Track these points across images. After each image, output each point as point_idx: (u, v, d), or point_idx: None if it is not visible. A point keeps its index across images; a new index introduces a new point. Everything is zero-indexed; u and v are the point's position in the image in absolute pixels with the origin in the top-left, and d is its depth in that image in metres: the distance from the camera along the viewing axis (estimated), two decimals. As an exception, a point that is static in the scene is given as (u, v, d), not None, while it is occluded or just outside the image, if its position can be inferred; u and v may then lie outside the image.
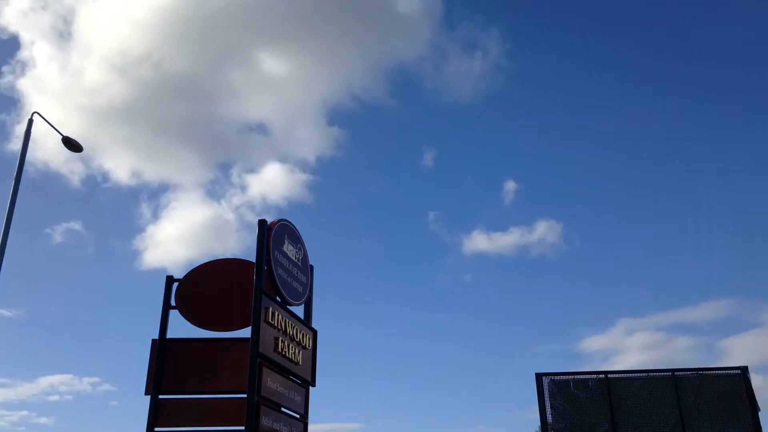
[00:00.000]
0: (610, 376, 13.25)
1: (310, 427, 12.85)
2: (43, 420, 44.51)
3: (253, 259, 11.82)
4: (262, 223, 12.05)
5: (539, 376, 13.33)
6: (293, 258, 12.98)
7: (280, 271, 12.32)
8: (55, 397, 46.94)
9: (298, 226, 13.28)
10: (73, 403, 45.69)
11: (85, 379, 50.07)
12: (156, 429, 11.31)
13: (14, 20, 40.95)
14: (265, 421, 10.97)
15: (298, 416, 12.51)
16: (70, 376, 47.35)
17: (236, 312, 11.81)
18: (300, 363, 12.55)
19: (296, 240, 13.26)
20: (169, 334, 11.98)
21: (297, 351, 12.44)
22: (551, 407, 13.04)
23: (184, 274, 12.46)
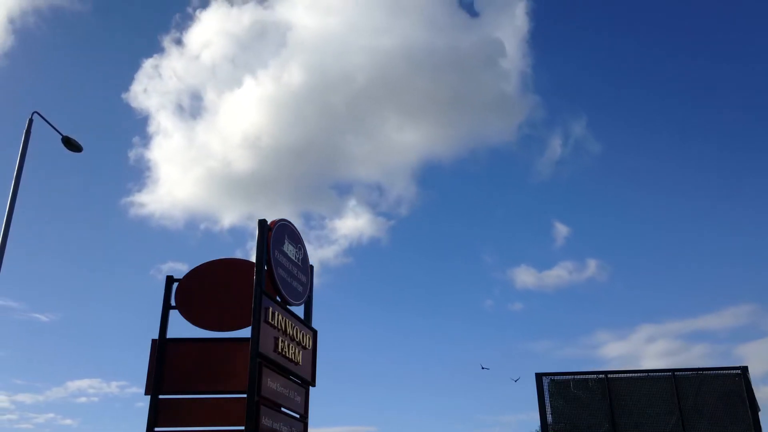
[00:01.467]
0: (610, 376, 13.24)
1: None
2: (67, 422, 44.96)
3: (254, 259, 11.82)
4: (261, 223, 12.05)
5: (539, 377, 13.32)
6: (293, 258, 12.97)
7: (280, 271, 12.32)
8: (83, 399, 47.17)
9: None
10: (98, 405, 45.92)
11: (113, 383, 50.22)
12: (156, 429, 11.30)
13: (145, 97, 44.99)
14: (265, 421, 10.97)
15: (298, 416, 12.51)
16: (98, 380, 47.50)
17: (236, 312, 11.81)
18: (300, 363, 12.54)
19: (296, 240, 13.25)
20: (169, 334, 11.98)
21: (297, 351, 12.43)
22: (551, 407, 13.03)
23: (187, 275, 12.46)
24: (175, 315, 12.13)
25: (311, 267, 13.89)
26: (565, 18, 55.13)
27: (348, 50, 44.59)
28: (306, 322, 13.29)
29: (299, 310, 13.23)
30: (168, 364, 11.67)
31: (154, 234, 45.69)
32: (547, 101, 53.44)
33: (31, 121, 14.12)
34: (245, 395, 10.79)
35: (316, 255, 45.89)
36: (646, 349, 50.09)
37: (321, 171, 47.97)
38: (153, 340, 11.92)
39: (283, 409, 11.97)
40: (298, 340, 12.54)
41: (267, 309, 11.50)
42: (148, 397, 11.47)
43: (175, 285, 12.34)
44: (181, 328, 12.15)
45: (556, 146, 50.73)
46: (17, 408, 45.84)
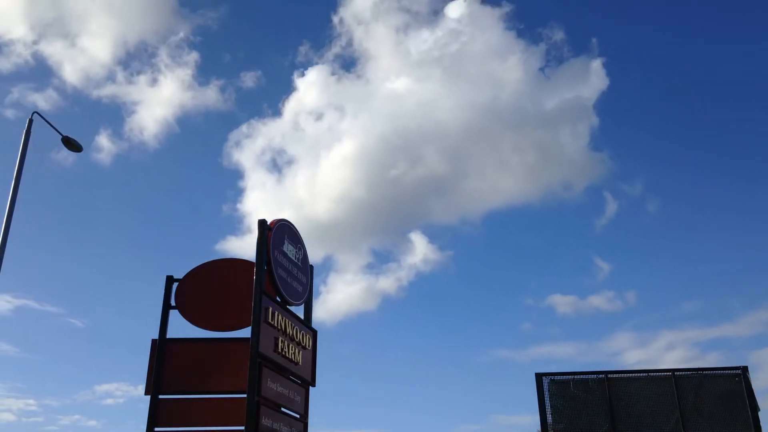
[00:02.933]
0: (609, 376, 13.23)
1: None
2: (92, 423, 45.34)
3: (254, 259, 11.82)
4: (261, 223, 12.05)
5: (539, 376, 13.31)
6: (293, 258, 12.97)
7: (280, 271, 12.32)
8: (110, 401, 47.68)
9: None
10: (123, 407, 46.44)
11: (141, 386, 50.47)
12: (156, 429, 11.30)
13: (240, 155, 49.34)
14: (265, 421, 10.97)
15: (298, 416, 12.51)
16: (126, 383, 47.95)
17: (236, 312, 11.81)
18: (300, 363, 12.54)
19: (296, 240, 13.25)
20: (169, 334, 11.98)
21: (297, 351, 12.43)
22: (551, 407, 13.03)
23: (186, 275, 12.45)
24: (175, 315, 12.14)
25: (311, 267, 13.89)
26: (639, 79, 57.24)
27: (435, 109, 48.54)
28: (306, 322, 13.29)
29: (299, 311, 13.24)
30: (168, 364, 11.67)
31: None
32: (616, 158, 55.61)
33: (31, 121, 14.12)
34: (245, 395, 10.79)
35: (380, 285, 50.49)
36: (664, 356, 50.80)
37: (402, 221, 53.50)
38: (153, 340, 11.92)
39: (283, 409, 11.97)
40: (298, 340, 12.54)
41: (267, 309, 11.50)
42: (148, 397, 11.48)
43: (175, 285, 12.33)
44: (181, 328, 12.17)
45: (622, 202, 53.37)
46: (44, 410, 46.61)
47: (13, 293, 49.35)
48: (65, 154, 48.19)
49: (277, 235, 12.37)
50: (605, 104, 53.78)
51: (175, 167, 56.12)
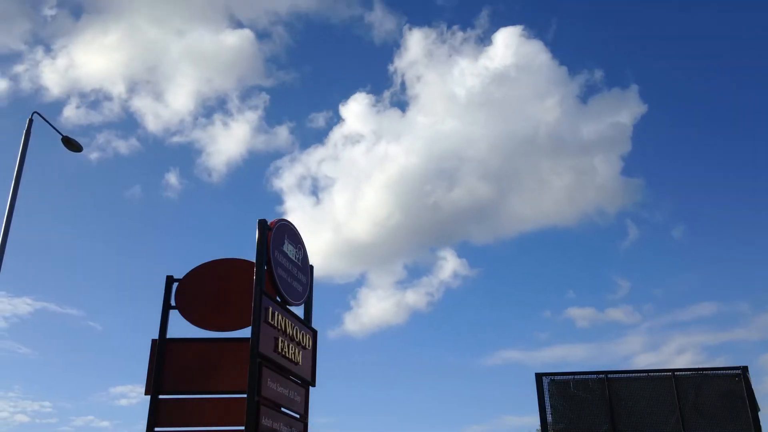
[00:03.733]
0: (609, 376, 13.23)
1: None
2: (104, 423, 45.86)
3: (254, 259, 11.82)
4: (261, 222, 12.05)
5: (539, 376, 13.31)
6: (293, 258, 12.97)
7: (280, 271, 12.32)
8: (123, 402, 48.16)
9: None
10: (137, 408, 46.98)
11: None
12: (156, 429, 11.31)
13: (282, 183, 52.89)
14: (265, 421, 10.97)
15: (298, 416, 12.51)
16: (140, 385, 48.34)
17: (236, 312, 11.82)
18: (300, 363, 12.54)
19: (296, 240, 13.25)
20: (169, 334, 11.98)
21: (297, 351, 12.43)
22: (551, 407, 13.03)
23: (184, 273, 12.46)
24: (175, 315, 12.14)
25: (311, 267, 13.88)
26: (673, 108, 58.75)
27: (475, 135, 51.26)
28: (306, 322, 13.29)
29: (299, 311, 13.24)
30: (168, 364, 11.67)
31: None
32: (648, 185, 56.80)
33: (30, 121, 14.13)
34: (245, 395, 10.79)
35: (410, 300, 52.55)
36: (674, 360, 51.50)
37: (437, 242, 56.17)
38: (153, 340, 11.93)
39: (283, 409, 11.97)
40: (298, 340, 12.54)
41: (267, 309, 11.50)
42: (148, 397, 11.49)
43: (175, 285, 12.34)
44: (181, 328, 12.17)
45: (647, 227, 55.85)
46: (58, 412, 47.24)
47: (34, 296, 50.44)
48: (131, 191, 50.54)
49: (277, 235, 12.37)
50: (640, 132, 55.74)
51: (228, 199, 59.40)
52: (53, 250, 52.89)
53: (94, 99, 54.76)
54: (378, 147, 54.63)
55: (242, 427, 10.63)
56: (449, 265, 54.52)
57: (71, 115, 52.82)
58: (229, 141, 56.92)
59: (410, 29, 60.04)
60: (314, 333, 13.46)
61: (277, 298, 12.17)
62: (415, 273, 57.77)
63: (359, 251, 53.00)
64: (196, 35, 54.85)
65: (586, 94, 54.51)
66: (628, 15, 60.08)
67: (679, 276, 54.69)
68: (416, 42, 56.93)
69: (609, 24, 61.12)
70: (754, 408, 12.61)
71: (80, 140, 14.95)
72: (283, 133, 60.50)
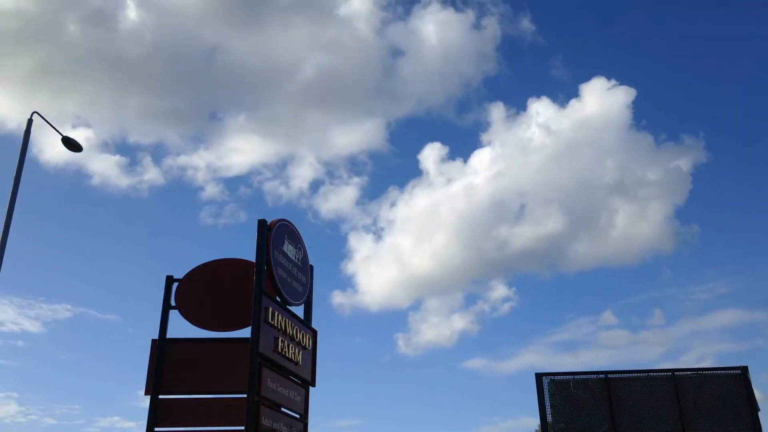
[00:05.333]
0: (609, 376, 13.22)
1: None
2: (129, 425, 46.54)
3: (254, 259, 11.82)
4: (261, 222, 12.04)
5: (539, 376, 13.29)
6: (293, 258, 12.97)
7: (280, 271, 12.31)
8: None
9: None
10: None
11: None
12: (156, 429, 11.31)
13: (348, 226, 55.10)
14: (265, 421, 10.97)
15: (298, 416, 12.51)
16: None
17: (236, 312, 11.82)
18: (300, 363, 12.54)
19: (296, 240, 13.25)
20: (169, 334, 11.98)
21: (297, 351, 12.43)
22: (551, 407, 13.02)
23: (186, 274, 12.45)
24: (175, 315, 12.14)
25: (311, 267, 13.88)
26: (736, 155, 61.13)
27: (541, 175, 52.39)
28: (306, 322, 13.29)
29: (299, 311, 13.24)
30: (168, 364, 11.67)
31: (347, 315, 55.17)
32: (703, 231, 58.49)
33: (30, 120, 14.13)
34: (245, 395, 10.79)
35: (458, 324, 54.99)
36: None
37: (492, 274, 57.54)
38: (153, 340, 11.93)
39: (283, 409, 11.97)
40: (298, 340, 12.53)
41: (267, 309, 11.49)
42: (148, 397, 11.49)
43: (175, 285, 12.33)
44: (181, 328, 12.17)
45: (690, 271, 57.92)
46: (86, 414, 48.05)
47: (72, 302, 51.38)
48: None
49: (277, 234, 12.37)
50: (701, 177, 57.05)
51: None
52: (83, 259, 54.16)
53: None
54: (446, 187, 56.99)
55: (242, 427, 10.63)
56: (498, 293, 57.20)
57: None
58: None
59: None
60: (314, 333, 13.46)
61: (277, 298, 12.16)
62: (469, 300, 60.36)
63: (418, 282, 55.40)
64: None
65: (655, 141, 56.07)
66: (696, 71, 61.23)
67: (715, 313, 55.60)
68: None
69: (680, 77, 62.15)
70: (754, 408, 12.60)
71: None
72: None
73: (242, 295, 11.74)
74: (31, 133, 14.05)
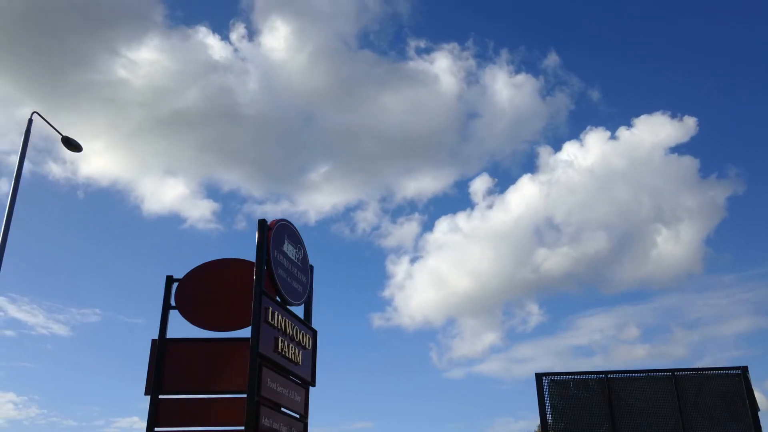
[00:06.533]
0: (610, 376, 13.21)
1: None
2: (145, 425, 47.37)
3: (254, 259, 11.82)
4: (261, 223, 12.04)
5: (539, 376, 13.29)
6: (293, 258, 12.97)
7: (280, 271, 12.31)
8: None
9: None
10: None
11: None
12: (156, 429, 11.31)
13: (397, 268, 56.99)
14: (265, 421, 10.97)
15: (297, 416, 12.50)
16: None
17: (236, 312, 11.81)
18: (300, 363, 12.54)
19: (296, 240, 13.24)
20: (169, 334, 11.98)
21: (297, 351, 12.43)
22: (551, 407, 13.01)
23: (185, 275, 12.45)
24: (175, 315, 12.14)
25: (311, 267, 13.88)
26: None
27: (584, 201, 53.57)
28: (306, 322, 13.28)
29: (299, 311, 13.24)
30: (168, 364, 11.67)
31: (387, 336, 57.92)
32: (736, 259, 60.19)
33: (30, 120, 14.12)
34: (245, 395, 10.79)
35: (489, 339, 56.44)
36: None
37: (527, 296, 58.18)
38: (153, 340, 11.93)
39: (283, 409, 11.97)
40: (298, 340, 12.53)
41: (267, 309, 11.49)
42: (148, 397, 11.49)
43: (175, 285, 12.33)
44: (181, 328, 12.17)
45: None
46: (107, 414, 49.33)
47: (101, 307, 52.21)
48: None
49: (277, 234, 12.36)
50: (737, 207, 58.00)
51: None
52: (103, 265, 55.30)
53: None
54: (487, 211, 58.58)
55: (242, 427, 10.63)
56: (528, 311, 58.74)
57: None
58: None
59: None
60: (314, 333, 13.45)
61: (277, 298, 12.16)
62: (503, 318, 61.07)
63: (456, 301, 56.97)
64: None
65: (697, 171, 56.89)
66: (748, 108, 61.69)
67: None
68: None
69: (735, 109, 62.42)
70: (754, 408, 12.59)
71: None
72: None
73: (242, 295, 11.74)
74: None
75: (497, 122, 59.39)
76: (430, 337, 57.96)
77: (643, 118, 55.38)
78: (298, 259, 13.18)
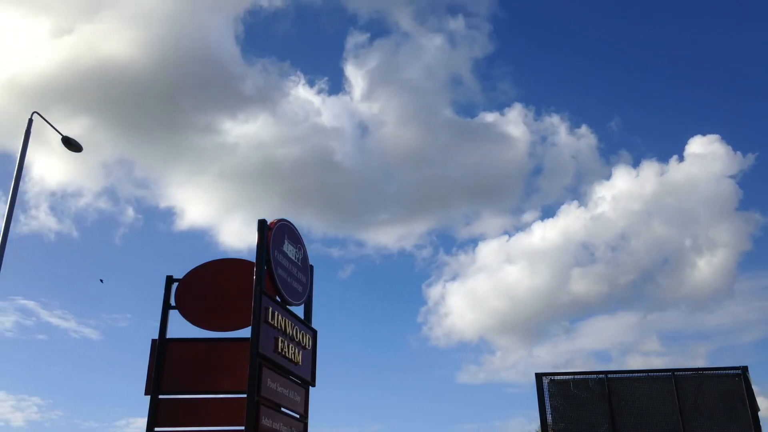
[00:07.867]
0: (609, 376, 13.21)
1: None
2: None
3: (253, 259, 11.82)
4: (261, 222, 12.04)
5: (539, 376, 13.29)
6: (293, 258, 12.97)
7: (280, 271, 12.31)
8: None
9: None
10: None
11: None
12: (156, 429, 11.30)
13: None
14: (265, 421, 10.97)
15: (297, 416, 12.50)
16: None
17: (236, 312, 11.81)
18: (300, 363, 12.54)
19: (296, 240, 13.24)
20: (169, 334, 11.98)
21: (297, 351, 12.43)
22: (551, 407, 13.00)
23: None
24: (175, 315, 12.14)
25: (311, 267, 13.88)
26: None
27: (620, 222, 54.21)
28: (306, 322, 13.29)
29: (299, 311, 13.23)
30: (168, 364, 11.67)
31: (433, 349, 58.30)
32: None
33: (30, 120, 14.12)
34: (245, 395, 10.79)
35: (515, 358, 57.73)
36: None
37: (562, 316, 60.13)
38: (153, 340, 11.93)
39: (283, 409, 11.97)
40: (298, 340, 12.53)
41: (267, 309, 11.49)
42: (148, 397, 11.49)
43: (175, 285, 12.33)
44: (181, 328, 12.17)
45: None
46: (127, 414, 49.65)
47: (133, 312, 53.33)
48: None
49: (277, 234, 12.36)
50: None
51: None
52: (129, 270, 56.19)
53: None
54: (523, 234, 60.27)
55: (242, 427, 10.64)
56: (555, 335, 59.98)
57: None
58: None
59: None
60: (314, 333, 13.46)
61: (277, 298, 12.17)
62: (532, 339, 62.22)
63: (491, 319, 58.56)
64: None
65: (738, 202, 57.05)
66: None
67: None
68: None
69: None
70: (754, 408, 12.59)
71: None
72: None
73: (242, 295, 11.74)
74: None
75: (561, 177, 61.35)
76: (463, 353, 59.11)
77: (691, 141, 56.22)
78: (298, 259, 13.18)
